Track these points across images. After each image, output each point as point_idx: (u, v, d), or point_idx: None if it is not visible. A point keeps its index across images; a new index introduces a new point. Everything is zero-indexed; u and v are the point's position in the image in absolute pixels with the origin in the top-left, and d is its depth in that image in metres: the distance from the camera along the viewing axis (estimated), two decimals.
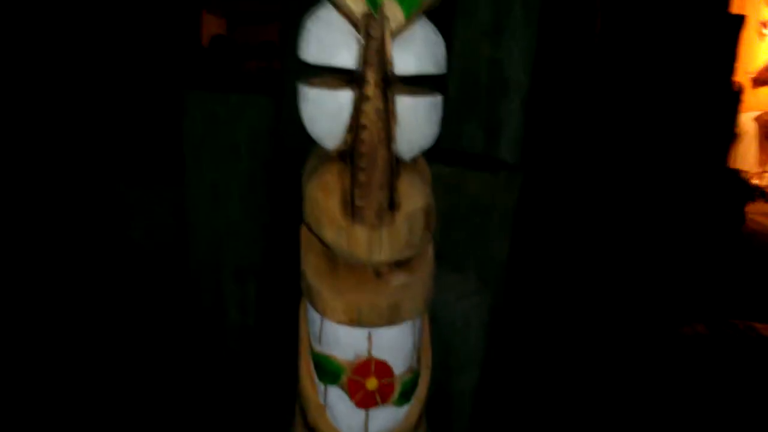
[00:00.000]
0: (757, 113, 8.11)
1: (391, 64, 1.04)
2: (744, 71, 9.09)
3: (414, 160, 1.20)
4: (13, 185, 3.00)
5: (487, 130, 2.09)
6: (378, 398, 1.20)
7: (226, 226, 2.11)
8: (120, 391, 2.23)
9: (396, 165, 1.11)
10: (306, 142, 1.19)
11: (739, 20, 3.78)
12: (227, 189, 2.10)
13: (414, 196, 1.14)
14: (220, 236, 2.13)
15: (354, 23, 1.05)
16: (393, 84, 1.06)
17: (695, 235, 3.65)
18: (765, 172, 7.59)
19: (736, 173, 4.33)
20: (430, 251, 1.24)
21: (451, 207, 1.83)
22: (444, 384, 1.61)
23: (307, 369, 1.26)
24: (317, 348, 1.22)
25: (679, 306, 2.83)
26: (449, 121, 2.19)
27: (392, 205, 1.11)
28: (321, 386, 1.23)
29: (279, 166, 2.14)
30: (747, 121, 8.54)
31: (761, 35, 8.76)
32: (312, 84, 1.10)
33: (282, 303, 2.11)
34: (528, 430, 1.97)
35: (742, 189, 4.21)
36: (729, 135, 3.86)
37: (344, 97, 1.07)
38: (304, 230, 1.22)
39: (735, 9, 9.05)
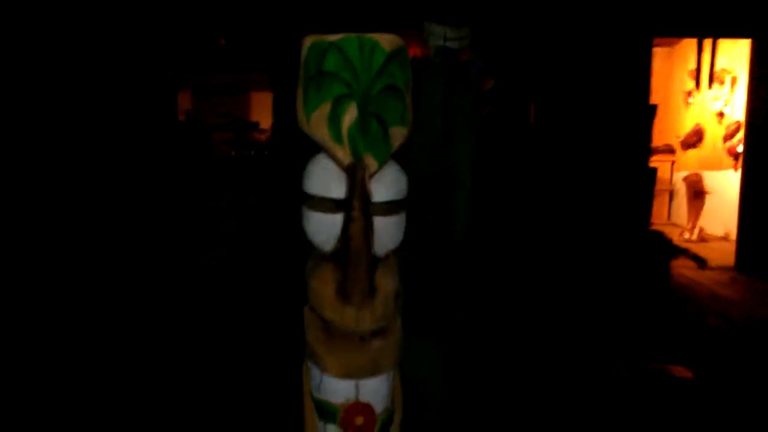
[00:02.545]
0: (685, 173, 8.90)
1: (369, 195, 1.53)
2: (675, 135, 9.98)
3: (387, 257, 1.68)
4: None
5: (441, 218, 2.59)
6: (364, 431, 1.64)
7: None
8: None
9: (374, 262, 1.59)
10: None
11: (652, 109, 4.44)
12: None
13: (387, 282, 1.61)
14: None
15: (343, 168, 1.54)
16: (371, 208, 1.54)
17: (625, 292, 4.20)
18: (694, 227, 8.31)
19: (660, 234, 4.92)
20: (399, 322, 1.70)
21: (413, 287, 2.30)
22: (415, 418, 2.05)
23: (309, 412, 1.70)
24: (317, 395, 1.66)
25: (607, 354, 3.33)
26: (411, 212, 2.69)
27: (372, 290, 1.58)
28: (320, 424, 1.67)
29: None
30: (678, 179, 9.36)
31: (687, 104, 9.68)
32: (313, 209, 1.58)
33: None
34: None
35: (665, 248, 4.79)
36: (647, 205, 4.47)
37: (336, 219, 1.55)
38: (307, 311, 1.67)
39: (662, 80, 10.00)
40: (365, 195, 1.52)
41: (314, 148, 1.62)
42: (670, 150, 9.89)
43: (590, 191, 4.09)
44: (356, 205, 1.52)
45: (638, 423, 2.72)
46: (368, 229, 1.53)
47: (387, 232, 1.59)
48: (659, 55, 10.21)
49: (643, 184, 4.26)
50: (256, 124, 9.20)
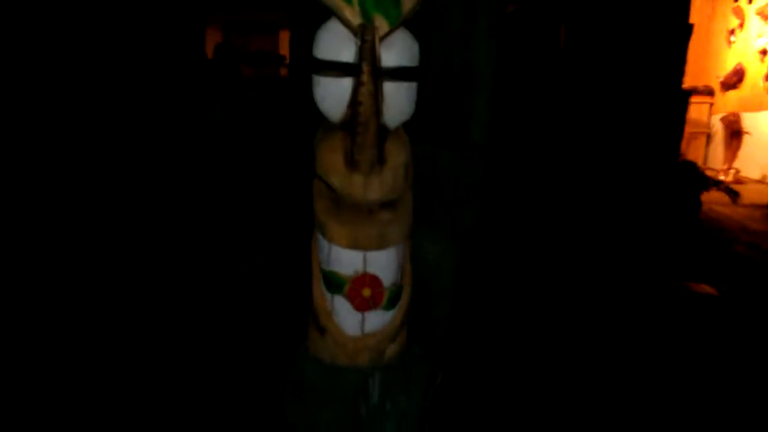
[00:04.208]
0: (723, 114, 8.63)
1: (379, 59, 1.49)
2: (715, 76, 9.63)
3: (397, 131, 1.64)
4: None
5: (459, 118, 2.54)
6: (371, 303, 1.64)
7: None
8: None
9: (384, 132, 1.55)
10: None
11: (688, 28, 4.25)
12: None
13: (396, 154, 1.59)
14: None
15: (353, 31, 1.49)
16: (381, 73, 1.50)
17: (654, 218, 4.12)
18: (730, 168, 8.08)
19: (692, 165, 4.79)
20: (408, 197, 1.68)
21: (428, 179, 2.28)
22: (423, 310, 2.05)
23: (317, 284, 1.70)
24: (325, 267, 1.65)
25: (629, 272, 3.29)
26: (428, 111, 2.64)
27: (381, 159, 1.55)
28: (328, 296, 1.67)
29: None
30: (716, 122, 9.07)
31: (729, 43, 9.31)
32: (322, 74, 1.54)
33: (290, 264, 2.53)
34: (488, 349, 2.40)
35: (697, 178, 4.67)
36: (679, 130, 4.33)
37: (346, 82, 1.51)
38: (315, 181, 1.66)
39: (705, 19, 9.61)
40: (375, 58, 1.48)
41: None
42: (709, 92, 9.56)
43: (620, 113, 3.98)
44: (365, 68, 1.48)
45: (655, 332, 2.70)
46: (377, 94, 1.50)
47: (397, 99, 1.55)
48: None
49: (675, 108, 4.13)
50: (283, 58, 9.08)
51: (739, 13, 8.90)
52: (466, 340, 2.31)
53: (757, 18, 8.51)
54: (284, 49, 11.37)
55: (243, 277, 2.64)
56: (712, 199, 5.70)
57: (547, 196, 3.36)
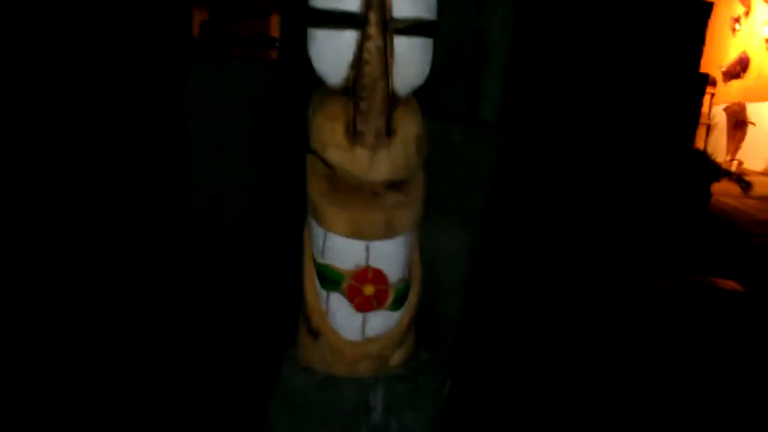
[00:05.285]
0: (725, 105, 8.41)
1: (390, 8, 1.22)
2: (717, 66, 9.40)
3: (408, 99, 1.38)
4: None
5: (469, 94, 2.28)
6: (374, 303, 1.38)
7: (224, 182, 2.26)
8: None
9: (393, 98, 1.29)
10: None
11: (708, 8, 4.00)
12: (226, 148, 2.25)
13: (408, 124, 1.33)
14: (218, 192, 2.28)
15: None
16: (391, 25, 1.24)
17: (664, 208, 3.88)
18: (732, 160, 7.87)
19: (704, 154, 4.55)
20: (420, 177, 1.42)
21: (438, 159, 2.01)
22: (431, 309, 1.80)
23: (310, 280, 1.43)
24: (320, 260, 1.39)
25: (645, 265, 3.06)
26: (436, 86, 2.37)
27: (389, 131, 1.29)
28: (323, 293, 1.41)
29: (273, 127, 2.29)
30: (718, 112, 8.85)
31: (734, 30, 9.07)
32: (320, 26, 1.27)
33: (277, 255, 2.26)
34: (502, 353, 2.16)
35: (708, 168, 4.44)
36: (695, 116, 4.09)
37: (348, 37, 1.24)
38: (309, 157, 1.39)
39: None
40: (384, 6, 1.21)
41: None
42: (710, 82, 9.33)
43: (633, 96, 3.72)
44: (373, 18, 1.21)
45: (684, 331, 2.47)
46: (386, 51, 1.23)
47: (410, 58, 1.28)
48: None
49: (691, 93, 3.89)
50: (274, 40, 8.67)
51: (745, 1, 8.66)
52: (479, 341, 2.07)
53: (765, 5, 8.28)
54: (277, 31, 11.00)
55: (225, 270, 2.37)
56: (718, 190, 5.48)
57: (557, 184, 3.11)
